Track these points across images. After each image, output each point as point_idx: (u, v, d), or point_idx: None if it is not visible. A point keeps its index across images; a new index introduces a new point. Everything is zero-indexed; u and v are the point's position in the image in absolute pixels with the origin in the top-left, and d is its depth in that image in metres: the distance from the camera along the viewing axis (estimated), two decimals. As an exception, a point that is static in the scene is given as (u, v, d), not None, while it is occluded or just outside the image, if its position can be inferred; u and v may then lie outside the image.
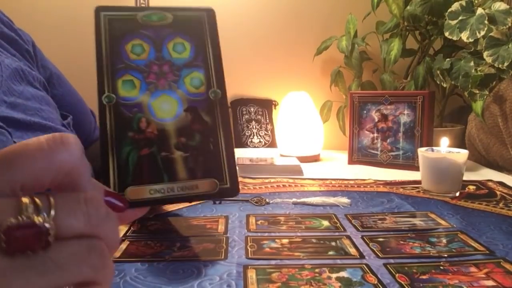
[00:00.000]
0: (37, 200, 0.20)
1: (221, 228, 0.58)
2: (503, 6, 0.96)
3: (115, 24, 0.31)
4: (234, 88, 1.42)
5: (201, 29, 0.32)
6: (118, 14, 0.32)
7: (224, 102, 0.31)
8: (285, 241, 0.53)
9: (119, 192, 0.27)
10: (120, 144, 0.28)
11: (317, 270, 0.44)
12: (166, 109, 0.30)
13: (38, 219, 0.20)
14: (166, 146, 0.29)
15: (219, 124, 0.30)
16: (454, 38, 1.01)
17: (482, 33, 0.95)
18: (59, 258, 0.20)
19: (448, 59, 1.04)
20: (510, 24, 0.94)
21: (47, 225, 0.20)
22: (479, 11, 0.97)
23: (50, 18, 1.36)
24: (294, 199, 0.71)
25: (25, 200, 0.20)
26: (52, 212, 0.20)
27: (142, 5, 0.33)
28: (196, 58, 0.31)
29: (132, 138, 0.29)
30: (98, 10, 0.32)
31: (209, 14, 0.33)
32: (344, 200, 0.70)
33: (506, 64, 0.90)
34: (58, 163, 0.21)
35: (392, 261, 0.47)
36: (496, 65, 0.92)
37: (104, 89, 0.29)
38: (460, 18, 0.99)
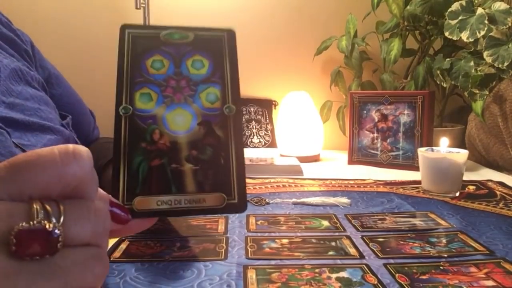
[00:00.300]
0: (47, 206, 0.20)
1: (221, 228, 0.58)
2: (503, 6, 0.96)
3: (138, 41, 0.32)
4: (234, 88, 1.41)
5: (220, 47, 0.33)
6: (142, 32, 0.33)
7: (238, 117, 0.31)
8: (285, 241, 0.53)
9: (127, 201, 0.28)
10: (132, 154, 0.29)
11: (317, 270, 0.44)
12: (180, 122, 0.30)
13: (49, 225, 0.20)
14: (176, 158, 0.29)
15: (232, 139, 0.30)
16: (454, 38, 1.00)
17: (482, 33, 0.95)
18: (65, 264, 0.20)
19: (448, 59, 1.04)
20: (510, 24, 0.93)
21: (57, 231, 0.20)
22: (479, 11, 0.97)
23: (48, 18, 1.36)
24: (294, 199, 0.71)
25: (36, 205, 0.20)
26: (62, 219, 0.21)
27: (163, 25, 0.34)
28: (213, 75, 0.32)
29: (144, 148, 0.29)
30: (124, 27, 0.33)
31: (230, 34, 0.34)
32: (344, 200, 0.70)
33: (506, 64, 0.90)
34: (69, 177, 0.21)
35: (392, 261, 0.47)
36: (496, 65, 0.92)
37: (121, 100, 0.30)
38: (460, 18, 0.99)
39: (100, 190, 0.25)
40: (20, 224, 0.19)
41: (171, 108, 0.30)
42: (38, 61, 0.62)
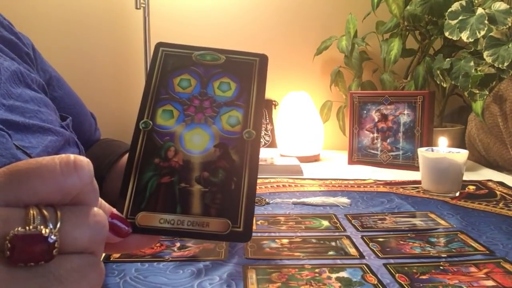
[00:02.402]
0: (44, 211, 0.20)
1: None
2: (503, 6, 0.96)
3: (170, 59, 0.33)
4: (234, 88, 1.41)
5: (250, 72, 0.33)
6: (175, 51, 0.33)
7: (256, 144, 0.30)
8: (285, 241, 0.53)
9: (130, 215, 0.27)
10: (144, 168, 0.29)
11: (317, 270, 0.44)
12: (197, 142, 0.30)
13: (45, 231, 0.20)
14: (187, 177, 0.29)
15: (246, 165, 0.30)
16: (454, 38, 1.00)
17: (482, 33, 0.95)
18: (60, 272, 0.20)
19: (448, 59, 1.04)
20: (510, 24, 0.93)
21: (53, 237, 0.20)
22: (479, 11, 0.97)
23: (48, 19, 1.36)
24: (294, 199, 0.71)
25: (33, 211, 0.20)
26: (59, 225, 0.20)
27: (197, 46, 0.34)
28: (238, 98, 0.32)
29: (157, 165, 0.29)
30: (158, 45, 0.33)
31: (262, 59, 0.34)
32: (344, 200, 0.70)
33: (506, 64, 0.90)
34: (68, 187, 0.21)
35: (392, 261, 0.47)
36: (496, 65, 0.92)
37: (143, 115, 0.30)
38: (460, 18, 0.99)
39: (103, 201, 0.25)
40: (16, 229, 0.19)
41: (190, 127, 0.30)
42: (39, 64, 0.62)
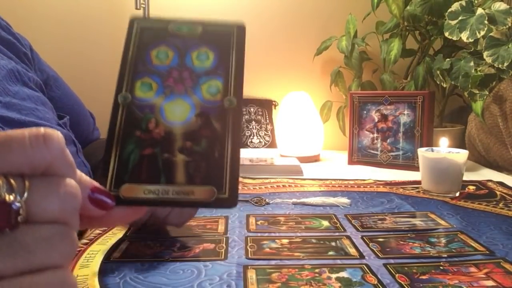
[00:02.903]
0: (11, 180, 0.20)
1: (221, 228, 0.58)
2: (503, 6, 0.96)
3: (145, 33, 0.32)
4: (234, 88, 1.41)
5: (228, 41, 0.33)
6: (150, 24, 0.33)
7: (238, 111, 0.30)
8: (285, 241, 0.53)
9: (114, 188, 0.27)
10: (125, 141, 0.29)
11: (317, 270, 0.44)
12: (177, 113, 0.30)
13: (9, 197, 0.20)
14: (170, 148, 0.29)
15: (229, 132, 0.29)
16: (454, 38, 1.00)
17: (482, 33, 0.95)
18: (28, 241, 0.20)
19: (448, 59, 1.04)
20: (510, 24, 0.93)
21: (17, 204, 0.20)
22: (479, 11, 0.97)
23: (48, 19, 1.36)
24: (294, 199, 0.71)
25: None
26: (26, 194, 0.20)
27: (172, 18, 0.33)
28: (217, 67, 0.32)
29: (138, 137, 0.29)
30: (133, 20, 0.33)
31: (239, 28, 0.33)
32: (344, 200, 0.70)
33: (506, 64, 0.90)
34: (37, 159, 0.21)
35: (392, 261, 0.47)
36: (496, 65, 0.92)
37: (121, 89, 0.30)
38: (460, 18, 0.99)
39: (83, 175, 0.24)
40: None
41: (170, 98, 0.30)
42: (36, 64, 0.62)
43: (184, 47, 0.32)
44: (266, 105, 1.42)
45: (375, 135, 1.07)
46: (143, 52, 0.31)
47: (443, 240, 0.53)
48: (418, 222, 0.60)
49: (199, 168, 0.28)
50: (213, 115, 0.30)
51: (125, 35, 0.32)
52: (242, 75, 0.32)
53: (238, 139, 0.30)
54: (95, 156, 0.65)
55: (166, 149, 0.29)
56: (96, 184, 0.26)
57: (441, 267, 0.45)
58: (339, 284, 0.41)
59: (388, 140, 1.05)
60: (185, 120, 0.30)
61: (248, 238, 0.54)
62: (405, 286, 0.41)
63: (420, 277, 0.43)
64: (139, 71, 0.31)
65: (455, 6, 1.01)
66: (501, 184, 0.82)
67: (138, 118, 0.29)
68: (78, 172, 0.24)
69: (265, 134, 1.38)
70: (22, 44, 0.59)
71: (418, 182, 0.82)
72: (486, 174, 0.94)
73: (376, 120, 1.06)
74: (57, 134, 0.22)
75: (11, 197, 0.20)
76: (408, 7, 1.13)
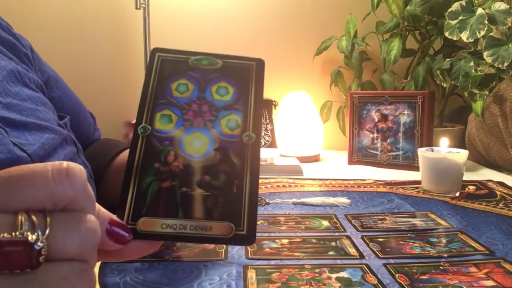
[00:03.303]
0: (33, 217, 0.20)
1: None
2: (503, 6, 0.96)
3: (166, 64, 0.33)
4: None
5: (247, 76, 0.33)
6: (171, 56, 0.33)
7: (256, 147, 0.30)
8: (285, 241, 0.53)
9: (131, 221, 0.27)
10: (144, 174, 0.28)
11: (317, 270, 0.44)
12: (197, 146, 0.30)
13: (31, 237, 0.19)
14: (188, 182, 0.28)
15: (247, 168, 0.29)
16: (454, 38, 1.00)
17: (482, 33, 0.95)
18: (47, 280, 0.19)
19: (448, 59, 1.04)
20: (510, 24, 0.93)
21: (40, 244, 0.19)
22: (479, 11, 0.97)
23: (48, 19, 1.36)
24: (294, 199, 0.71)
25: (21, 217, 0.19)
26: (47, 231, 0.20)
27: (193, 51, 0.34)
28: (237, 102, 0.32)
29: (157, 169, 0.29)
30: (154, 51, 0.33)
31: (259, 64, 0.34)
32: (344, 200, 0.70)
33: (506, 64, 0.90)
34: (59, 195, 0.21)
35: (392, 261, 0.47)
36: (496, 65, 0.92)
37: (142, 120, 0.30)
38: (460, 18, 0.99)
39: (101, 208, 0.24)
40: (1, 235, 0.19)
41: (189, 131, 0.30)
42: (37, 64, 0.62)
43: (204, 81, 0.32)
44: (266, 105, 1.42)
45: (375, 135, 1.07)
46: (164, 84, 0.32)
47: (443, 240, 0.53)
48: (418, 222, 0.60)
49: (217, 203, 0.28)
50: (232, 150, 0.30)
51: (147, 66, 0.33)
52: (261, 110, 0.32)
53: (256, 175, 0.29)
54: (97, 157, 0.65)
55: (184, 183, 0.28)
56: (114, 217, 0.25)
57: (441, 267, 0.45)
58: (339, 284, 0.41)
59: (388, 140, 1.05)
60: (204, 154, 0.30)
61: (248, 238, 0.54)
62: (405, 286, 0.41)
63: (420, 277, 0.43)
64: (159, 102, 0.31)
65: (455, 6, 1.01)
66: (501, 184, 0.82)
67: (157, 150, 0.29)
68: (97, 204, 0.24)
69: (265, 134, 1.38)
70: (23, 44, 0.59)
71: (418, 182, 0.82)
72: (486, 174, 0.94)
73: (376, 120, 1.06)
74: (80, 169, 0.22)
75: (34, 237, 0.19)
76: (408, 7, 1.13)
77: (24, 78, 0.53)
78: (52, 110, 0.57)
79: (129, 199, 0.27)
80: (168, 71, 0.32)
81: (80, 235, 0.21)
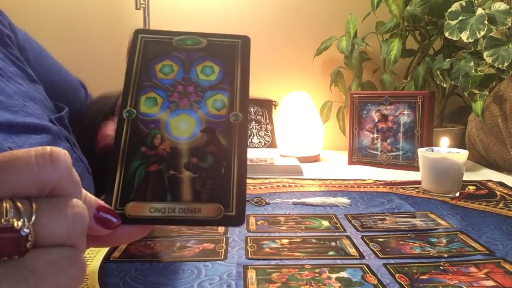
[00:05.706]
0: (18, 204, 0.20)
1: (221, 228, 0.57)
2: (503, 6, 0.96)
3: (149, 46, 0.32)
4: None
5: (232, 54, 0.32)
6: (154, 37, 0.32)
7: (244, 126, 0.30)
8: (285, 241, 0.53)
9: (119, 206, 0.27)
10: (131, 158, 0.28)
11: (317, 270, 0.44)
12: (183, 128, 0.29)
13: (17, 223, 0.19)
14: (175, 164, 0.28)
15: (235, 148, 0.29)
16: (454, 38, 1.00)
17: (482, 33, 0.95)
18: (36, 266, 0.19)
19: (448, 59, 1.04)
20: (510, 24, 0.93)
21: (26, 230, 0.19)
22: (479, 11, 0.97)
23: (47, 18, 1.36)
24: (294, 199, 0.71)
25: (6, 204, 0.19)
26: (33, 217, 0.20)
27: (177, 31, 0.33)
28: (222, 81, 0.31)
29: (144, 153, 0.28)
30: (137, 32, 0.33)
31: (244, 41, 0.33)
32: (344, 200, 0.70)
33: (506, 64, 0.90)
34: (44, 181, 0.20)
35: (392, 261, 0.47)
36: (496, 65, 0.92)
37: (126, 104, 0.30)
38: (460, 18, 0.99)
39: (88, 194, 0.24)
40: None
41: (175, 113, 0.30)
42: (16, 39, 0.59)
43: (189, 61, 0.32)
44: (266, 105, 1.42)
45: (375, 135, 1.07)
46: (147, 65, 0.31)
47: (443, 240, 0.53)
48: (418, 222, 0.60)
49: (206, 185, 0.28)
50: (219, 131, 0.29)
51: (129, 48, 0.32)
52: (248, 88, 0.31)
53: (244, 155, 0.29)
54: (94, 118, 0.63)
55: (171, 166, 0.28)
56: (101, 202, 0.25)
57: (441, 267, 0.45)
58: (339, 284, 0.41)
59: (388, 140, 1.05)
60: (191, 136, 0.29)
61: (248, 238, 0.54)
62: (405, 286, 0.41)
63: (420, 277, 0.43)
64: (143, 85, 0.30)
65: (455, 6, 1.01)
66: (501, 184, 0.82)
67: (143, 133, 0.29)
68: (84, 190, 0.24)
69: (265, 134, 1.38)
70: (4, 24, 0.57)
71: (418, 182, 0.81)
72: (486, 174, 0.94)
73: (376, 120, 1.06)
74: (64, 153, 0.22)
75: (20, 223, 0.19)
76: (408, 7, 1.13)
77: (7, 72, 0.51)
78: (42, 103, 0.55)
79: (117, 184, 0.27)
80: (152, 53, 0.32)
81: (67, 220, 0.21)
